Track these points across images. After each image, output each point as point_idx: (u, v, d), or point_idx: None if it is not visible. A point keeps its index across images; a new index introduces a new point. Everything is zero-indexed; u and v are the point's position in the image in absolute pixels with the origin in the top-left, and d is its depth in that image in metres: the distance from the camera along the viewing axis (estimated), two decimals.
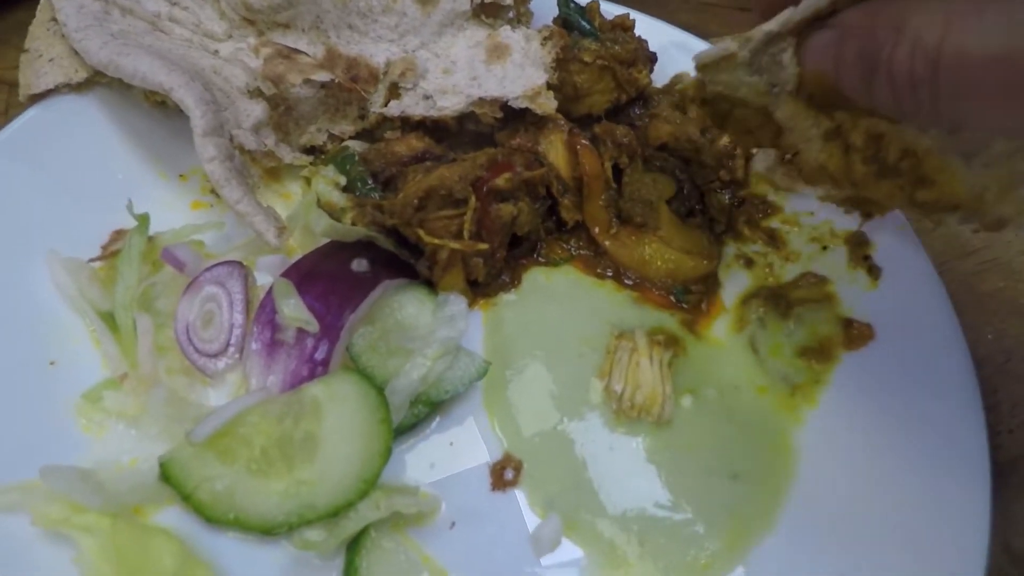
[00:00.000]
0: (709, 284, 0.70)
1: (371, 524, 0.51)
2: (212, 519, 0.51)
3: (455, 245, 0.60)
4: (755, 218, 0.73)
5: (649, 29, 0.83)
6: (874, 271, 0.67)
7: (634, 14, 0.84)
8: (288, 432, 0.53)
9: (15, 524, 0.49)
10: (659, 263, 0.69)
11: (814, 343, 0.63)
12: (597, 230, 0.70)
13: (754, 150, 0.70)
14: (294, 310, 0.56)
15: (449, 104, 0.72)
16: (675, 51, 0.84)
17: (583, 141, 0.72)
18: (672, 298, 0.68)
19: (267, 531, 0.51)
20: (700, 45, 0.86)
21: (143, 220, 0.62)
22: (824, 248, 0.70)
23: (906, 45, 0.36)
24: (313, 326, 0.56)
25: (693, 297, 0.69)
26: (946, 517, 0.52)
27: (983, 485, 0.53)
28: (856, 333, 0.63)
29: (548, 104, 0.70)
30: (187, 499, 0.51)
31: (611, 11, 0.83)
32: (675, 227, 0.69)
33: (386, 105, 0.74)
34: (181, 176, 0.74)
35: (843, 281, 0.67)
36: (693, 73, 0.49)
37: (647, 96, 0.82)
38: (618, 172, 0.73)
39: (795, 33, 0.43)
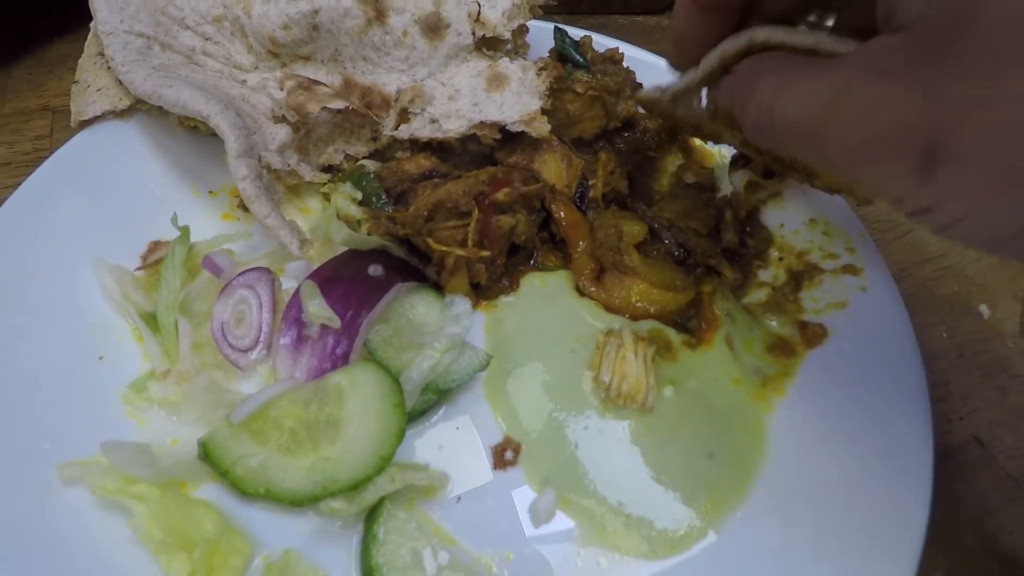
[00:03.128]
0: (698, 308, 0.73)
1: (387, 496, 0.57)
2: (246, 492, 0.57)
3: (460, 252, 0.67)
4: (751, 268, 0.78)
5: (637, 60, 0.91)
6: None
7: (623, 47, 0.92)
8: (314, 415, 0.59)
9: (76, 495, 0.56)
10: (647, 304, 0.71)
11: (777, 341, 0.70)
12: (581, 279, 0.72)
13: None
14: (318, 309, 0.63)
15: (453, 127, 0.79)
16: (661, 80, 0.92)
17: (562, 196, 0.76)
18: (673, 324, 0.71)
19: (295, 502, 0.57)
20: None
21: (185, 232, 0.69)
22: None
23: (754, 102, 0.46)
24: (335, 323, 0.63)
25: (693, 322, 0.73)
26: (894, 492, 0.58)
27: (926, 465, 0.59)
28: (811, 333, 0.70)
29: (542, 128, 0.78)
30: (224, 474, 0.57)
31: (603, 44, 0.91)
32: (649, 267, 0.72)
33: (397, 128, 0.82)
34: (211, 192, 0.81)
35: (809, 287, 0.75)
36: None
37: (633, 122, 0.90)
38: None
39: (699, 86, 0.56)
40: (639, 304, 0.71)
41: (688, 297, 0.73)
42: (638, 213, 0.79)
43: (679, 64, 0.59)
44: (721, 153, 0.88)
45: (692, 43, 0.55)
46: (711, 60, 0.52)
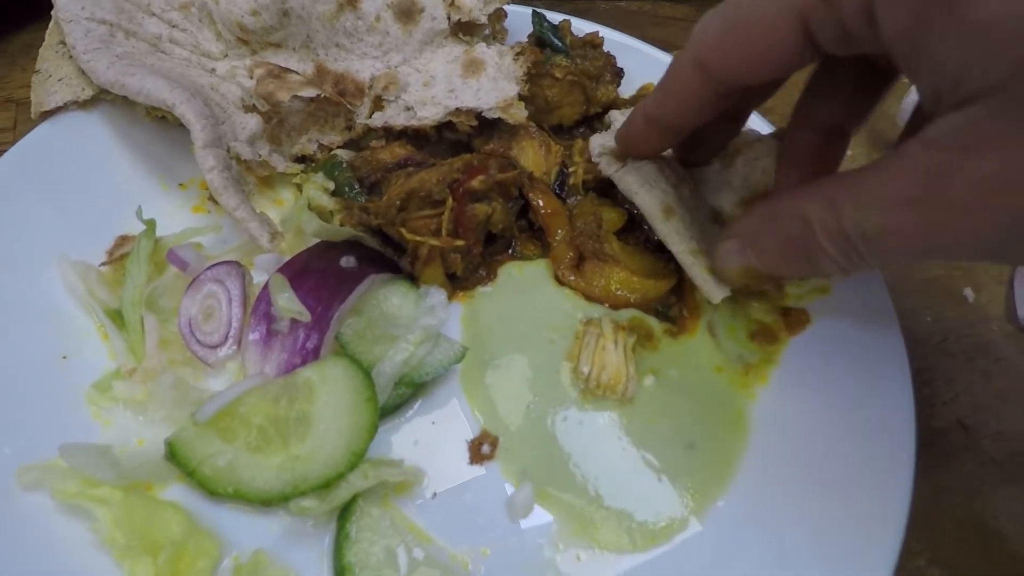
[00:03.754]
0: (680, 295, 0.72)
1: (360, 494, 0.55)
2: (215, 492, 0.56)
3: (434, 242, 0.65)
4: None
5: (618, 45, 0.89)
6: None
7: (603, 31, 0.90)
8: (284, 412, 0.58)
9: (37, 500, 0.54)
10: (628, 292, 0.69)
11: (760, 328, 0.69)
12: (560, 268, 0.71)
13: None
14: (288, 302, 0.61)
15: (429, 114, 0.78)
16: (642, 65, 0.91)
17: (541, 184, 0.74)
18: (655, 312, 0.70)
19: (265, 502, 0.55)
20: (666, 58, 0.93)
21: (151, 225, 0.67)
22: None
23: (818, 231, 0.44)
24: (306, 316, 0.61)
25: (675, 310, 0.71)
26: (876, 478, 0.57)
27: (908, 450, 0.58)
28: (794, 319, 0.69)
29: (519, 114, 0.76)
30: (192, 474, 0.56)
31: (582, 28, 0.89)
32: (628, 255, 0.71)
33: (371, 116, 0.80)
34: (180, 185, 0.79)
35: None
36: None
37: (614, 108, 0.88)
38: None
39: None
40: (619, 292, 0.69)
41: (670, 284, 0.71)
42: (618, 200, 0.78)
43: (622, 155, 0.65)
44: None
45: (637, 149, 0.62)
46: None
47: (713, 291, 0.60)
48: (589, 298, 0.70)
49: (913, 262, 0.57)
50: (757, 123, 0.83)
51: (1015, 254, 0.40)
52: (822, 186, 0.45)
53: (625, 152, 0.64)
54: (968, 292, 0.80)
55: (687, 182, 0.67)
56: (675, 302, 0.72)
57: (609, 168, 0.65)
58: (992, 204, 0.36)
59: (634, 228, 0.76)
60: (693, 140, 0.62)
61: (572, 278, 0.71)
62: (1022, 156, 0.34)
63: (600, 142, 0.67)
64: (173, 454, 0.56)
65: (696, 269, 0.61)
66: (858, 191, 0.42)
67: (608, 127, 0.79)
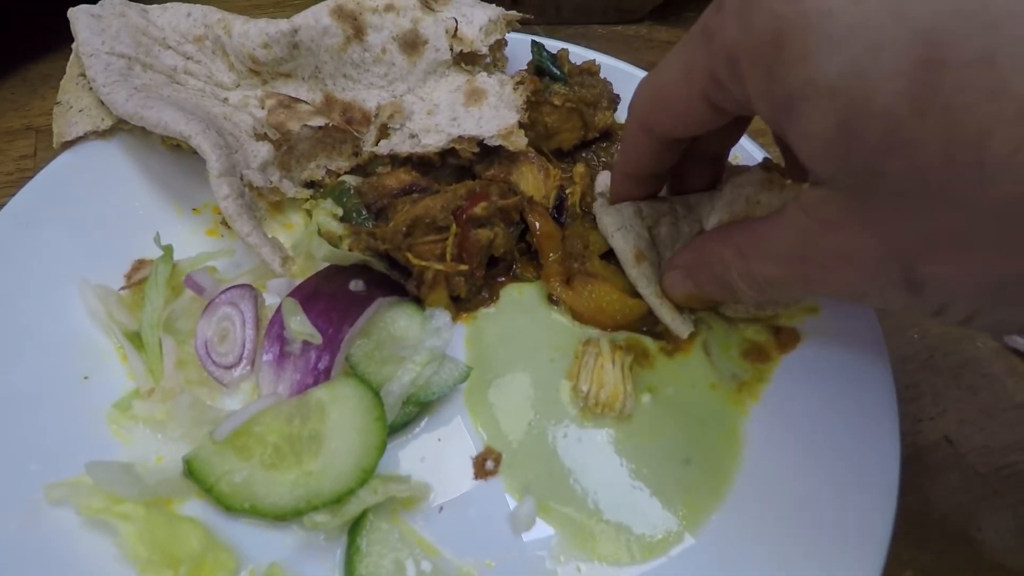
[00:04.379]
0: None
1: (369, 508, 0.58)
2: (231, 508, 0.58)
3: (439, 266, 0.68)
4: None
5: (614, 72, 0.93)
6: None
7: (600, 58, 0.94)
8: (297, 430, 0.60)
9: (63, 515, 0.57)
10: (616, 308, 0.72)
11: (752, 347, 0.72)
12: (551, 286, 0.74)
13: None
14: (300, 325, 0.64)
15: (432, 142, 0.81)
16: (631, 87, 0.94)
17: (539, 207, 0.78)
18: (642, 331, 0.73)
19: (279, 517, 0.58)
20: None
21: (168, 251, 0.70)
22: None
23: (733, 272, 0.55)
24: (317, 339, 0.64)
25: (660, 325, 0.72)
26: (862, 491, 0.60)
27: (893, 464, 0.60)
28: (785, 338, 0.71)
29: (519, 141, 0.80)
30: (209, 490, 0.58)
31: (580, 55, 0.93)
32: (611, 272, 0.73)
33: (377, 143, 0.83)
34: (194, 210, 0.82)
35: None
36: None
37: (611, 133, 0.92)
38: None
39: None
40: (606, 307, 0.72)
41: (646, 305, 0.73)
42: None
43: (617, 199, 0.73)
44: None
45: (623, 199, 0.71)
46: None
47: (679, 328, 0.70)
48: (578, 316, 0.73)
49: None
50: (749, 147, 0.86)
51: (874, 304, 0.49)
52: (734, 234, 0.56)
53: (615, 200, 0.73)
54: None
55: (671, 215, 0.71)
56: (658, 320, 0.74)
57: (596, 206, 0.73)
58: (841, 271, 0.44)
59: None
60: (682, 180, 0.71)
61: (560, 289, 0.74)
62: (853, 239, 0.41)
63: (604, 180, 0.72)
64: (192, 471, 0.59)
65: (663, 310, 0.70)
66: (759, 244, 0.52)
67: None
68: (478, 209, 0.69)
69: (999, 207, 0.33)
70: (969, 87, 0.32)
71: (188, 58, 0.86)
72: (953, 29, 0.32)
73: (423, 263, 0.68)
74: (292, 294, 0.68)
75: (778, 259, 0.49)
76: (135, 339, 0.68)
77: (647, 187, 0.70)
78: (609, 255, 0.79)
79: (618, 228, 0.69)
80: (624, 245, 0.69)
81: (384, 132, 0.83)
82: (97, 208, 0.77)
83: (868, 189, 0.38)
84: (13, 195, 0.74)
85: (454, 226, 0.68)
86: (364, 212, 0.74)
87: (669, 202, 0.72)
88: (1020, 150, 0.31)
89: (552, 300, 0.74)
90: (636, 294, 0.73)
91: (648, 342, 0.72)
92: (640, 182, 0.68)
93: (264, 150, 0.80)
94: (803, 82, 0.37)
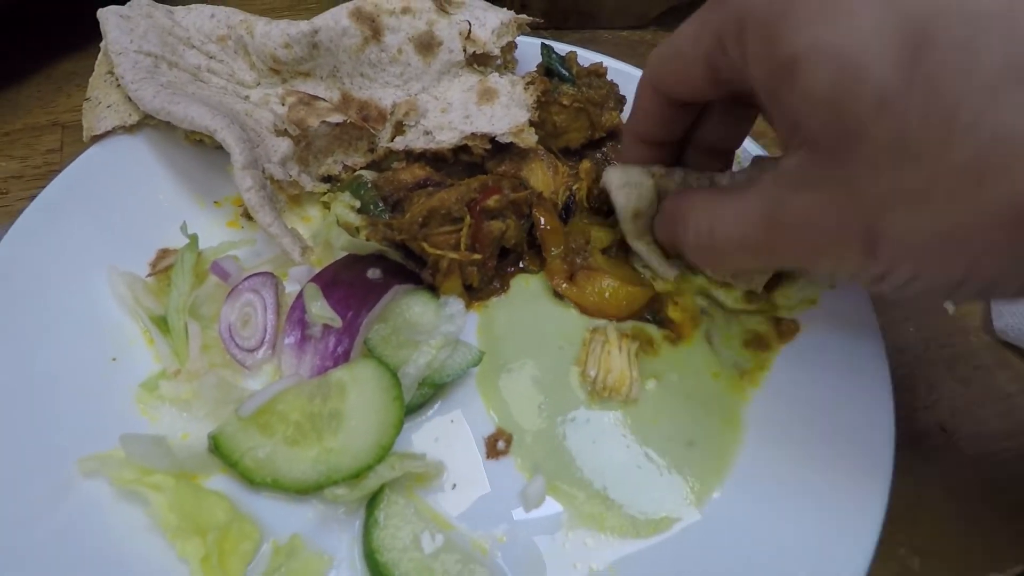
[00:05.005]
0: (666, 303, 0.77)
1: (387, 484, 0.61)
2: (255, 482, 0.61)
3: (453, 256, 0.71)
4: None
5: (620, 74, 0.96)
6: None
7: (607, 60, 0.97)
8: (318, 409, 0.63)
9: (95, 487, 0.60)
10: (620, 299, 0.74)
11: (753, 336, 0.74)
12: (555, 279, 0.76)
13: None
14: (321, 310, 0.67)
15: (446, 138, 0.84)
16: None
17: (547, 203, 0.80)
18: (645, 319, 0.76)
19: (301, 491, 0.61)
20: None
21: (194, 239, 0.73)
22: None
23: (691, 231, 0.58)
24: (337, 323, 0.67)
25: (662, 313, 0.76)
26: (857, 473, 0.62)
27: (887, 448, 0.63)
28: (785, 328, 0.74)
29: (530, 139, 0.83)
30: (234, 465, 0.61)
31: (588, 58, 0.96)
32: (612, 265, 0.77)
33: (392, 140, 0.87)
34: (216, 202, 0.85)
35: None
36: None
37: (617, 133, 0.95)
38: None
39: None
40: (609, 297, 0.75)
41: (651, 292, 0.77)
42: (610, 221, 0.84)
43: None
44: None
45: (634, 159, 0.71)
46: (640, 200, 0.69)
47: (664, 271, 0.74)
48: (583, 309, 0.76)
49: (762, 270, 0.72)
50: (751, 147, 0.89)
51: (825, 269, 0.50)
52: (710, 194, 0.60)
53: (623, 162, 0.74)
54: (949, 305, 0.86)
55: (684, 175, 0.70)
56: (660, 307, 0.78)
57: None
58: (803, 231, 0.47)
59: (621, 250, 0.82)
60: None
61: (565, 286, 0.77)
62: (822, 197, 0.44)
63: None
64: (217, 447, 0.61)
65: (651, 256, 0.73)
66: (729, 204, 0.54)
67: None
68: (491, 202, 0.73)
69: (957, 167, 0.38)
70: (949, 64, 0.37)
71: (211, 57, 0.89)
72: (938, 18, 0.38)
73: (438, 252, 0.71)
74: (313, 281, 0.71)
75: (743, 222, 0.51)
76: (161, 323, 0.71)
77: (655, 154, 0.70)
78: (610, 249, 0.82)
79: (622, 185, 0.70)
80: (625, 202, 0.70)
81: (399, 129, 0.86)
82: (124, 199, 0.80)
83: (849, 148, 0.42)
84: (42, 187, 0.77)
85: (468, 217, 0.71)
86: (381, 204, 0.77)
87: (683, 170, 0.72)
88: (982, 118, 0.36)
89: (557, 294, 0.77)
90: (638, 283, 0.76)
91: (653, 330, 0.75)
92: (649, 148, 0.69)
93: (284, 145, 0.83)
94: (807, 45, 0.41)
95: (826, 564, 0.59)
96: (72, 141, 0.95)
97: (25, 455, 0.60)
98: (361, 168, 0.87)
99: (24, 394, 0.64)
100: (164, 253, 0.79)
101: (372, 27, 0.87)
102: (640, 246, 0.72)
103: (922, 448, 0.73)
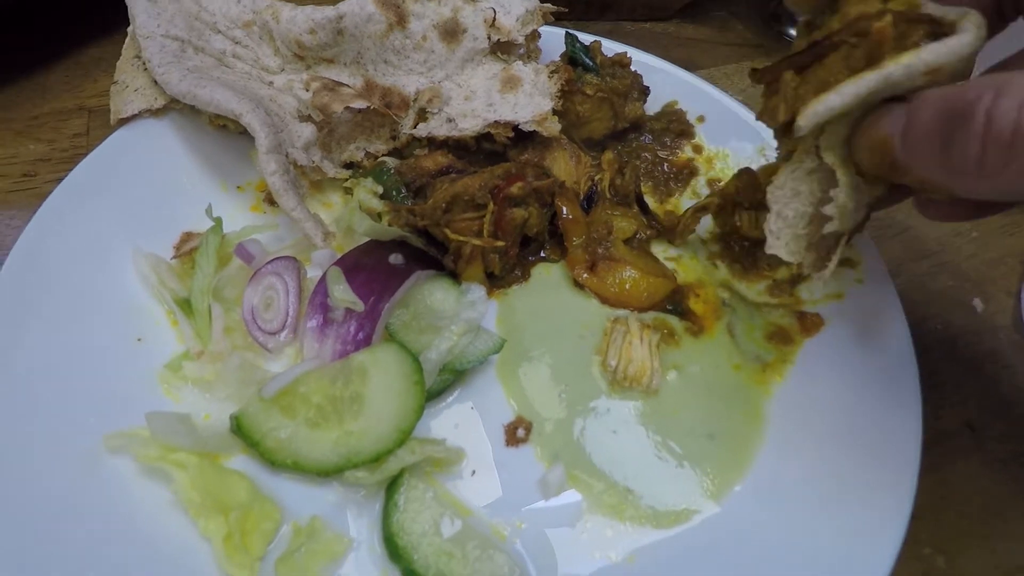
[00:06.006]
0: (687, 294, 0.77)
1: (406, 468, 0.61)
2: (276, 463, 0.61)
3: (476, 242, 0.71)
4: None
5: (644, 65, 0.95)
6: None
7: (631, 51, 0.96)
8: (339, 392, 0.63)
9: (120, 463, 0.60)
10: (641, 290, 0.74)
11: (776, 330, 0.74)
12: (576, 269, 0.76)
13: None
14: (343, 293, 0.67)
15: (469, 126, 0.84)
16: (667, 83, 0.97)
17: (569, 192, 0.79)
18: (669, 309, 0.75)
19: (321, 473, 0.61)
20: (688, 78, 0.98)
21: (218, 222, 0.74)
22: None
23: (1012, 99, 0.38)
24: (359, 306, 0.67)
25: (684, 305, 0.76)
26: (883, 471, 0.61)
27: (914, 446, 0.62)
28: (809, 322, 0.73)
29: (553, 127, 0.82)
30: (256, 446, 0.61)
31: (612, 48, 0.95)
32: (634, 256, 0.76)
33: (415, 127, 0.87)
34: (239, 187, 0.85)
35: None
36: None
37: (641, 124, 0.94)
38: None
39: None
40: (630, 288, 0.74)
41: (672, 284, 0.76)
42: (642, 211, 0.83)
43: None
44: None
45: None
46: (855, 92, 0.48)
47: (847, 199, 0.54)
48: (604, 298, 0.75)
49: None
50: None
51: None
52: (994, 77, 0.40)
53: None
54: (977, 302, 0.84)
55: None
56: (682, 299, 0.77)
57: None
58: None
59: (642, 237, 0.81)
60: None
61: (586, 276, 0.76)
62: None
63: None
64: (239, 427, 0.62)
65: (844, 176, 0.54)
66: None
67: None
68: (514, 189, 0.72)
69: None
70: None
71: (236, 43, 0.89)
72: None
73: (461, 238, 0.71)
74: (335, 265, 0.71)
75: None
76: (185, 305, 0.72)
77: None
78: (632, 240, 0.81)
79: (788, 201, 0.59)
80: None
81: (422, 116, 0.86)
82: (149, 182, 0.81)
83: None
84: (69, 171, 0.78)
85: (491, 204, 0.71)
86: (403, 191, 0.77)
87: None
88: None
89: (577, 284, 0.77)
90: (660, 274, 0.76)
91: (674, 322, 0.75)
92: None
93: (307, 131, 0.83)
94: None
95: (849, 563, 0.58)
96: (99, 125, 0.96)
97: (53, 432, 0.61)
98: (383, 155, 0.87)
99: (53, 373, 0.65)
100: (188, 236, 0.80)
101: (397, 13, 0.87)
102: (831, 157, 0.54)
103: (948, 446, 0.71)
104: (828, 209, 0.55)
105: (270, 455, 0.61)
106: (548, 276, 0.78)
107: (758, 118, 0.63)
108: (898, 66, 0.47)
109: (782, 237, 0.60)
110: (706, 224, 0.83)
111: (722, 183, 0.89)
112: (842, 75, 0.51)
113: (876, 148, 0.50)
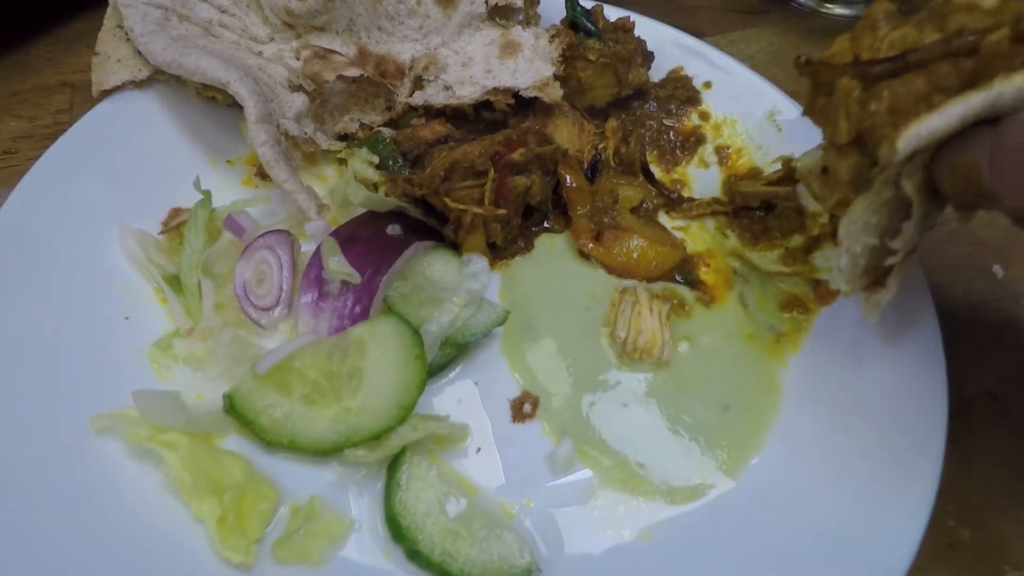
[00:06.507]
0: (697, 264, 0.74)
1: (408, 446, 0.58)
2: (271, 442, 0.58)
3: (477, 210, 0.68)
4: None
5: (648, 30, 0.92)
6: None
7: (634, 16, 0.93)
8: (337, 367, 0.60)
9: (108, 445, 0.58)
10: (649, 259, 0.71)
11: (790, 299, 0.71)
12: (580, 241, 0.73)
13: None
14: (339, 265, 0.64)
15: (467, 93, 0.80)
16: (671, 49, 0.93)
17: (572, 161, 0.76)
18: (679, 279, 0.73)
19: (319, 452, 0.58)
20: (693, 43, 0.95)
21: (207, 195, 0.70)
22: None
23: None
24: (355, 278, 0.64)
25: (694, 275, 0.73)
26: (907, 442, 0.58)
27: (940, 417, 0.59)
28: (824, 291, 0.70)
29: (555, 93, 0.79)
30: (250, 425, 0.59)
31: (614, 14, 0.92)
32: (641, 225, 0.74)
33: (411, 95, 0.83)
34: (228, 162, 0.82)
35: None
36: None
37: (645, 91, 0.91)
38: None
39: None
40: (637, 258, 0.71)
41: (680, 254, 0.74)
42: (648, 180, 0.80)
43: None
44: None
45: None
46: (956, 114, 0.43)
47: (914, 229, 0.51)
48: (610, 268, 0.72)
49: None
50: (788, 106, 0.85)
51: None
52: None
53: None
54: (997, 269, 0.81)
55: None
56: (692, 269, 0.74)
57: None
58: None
59: (648, 206, 0.78)
60: None
61: (591, 246, 0.73)
62: None
63: None
64: (232, 405, 0.59)
65: (921, 205, 0.50)
66: None
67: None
68: (516, 155, 0.69)
69: None
70: None
71: (223, 11, 0.86)
72: None
73: (461, 206, 0.68)
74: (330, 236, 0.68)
75: None
76: (173, 282, 0.69)
77: None
78: (639, 209, 0.78)
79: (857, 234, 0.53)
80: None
81: (419, 84, 0.83)
82: (134, 156, 0.78)
83: None
84: None
85: (492, 171, 0.68)
86: (400, 160, 0.74)
87: None
88: None
89: (582, 255, 0.74)
90: (668, 243, 0.73)
91: (684, 292, 0.72)
92: None
93: (299, 101, 0.80)
94: None
95: (874, 537, 0.55)
96: (82, 101, 0.92)
97: (38, 412, 0.58)
98: (378, 127, 0.84)
99: (38, 353, 0.62)
100: (176, 212, 0.76)
101: None
102: (911, 187, 0.49)
103: (971, 416, 0.69)
104: (895, 243, 0.50)
105: (265, 434, 0.58)
106: (552, 247, 0.75)
107: (805, 114, 0.58)
108: (1011, 87, 0.42)
109: (846, 272, 0.55)
110: (713, 190, 0.80)
111: (730, 150, 0.86)
112: (932, 93, 0.46)
113: (961, 174, 0.46)
